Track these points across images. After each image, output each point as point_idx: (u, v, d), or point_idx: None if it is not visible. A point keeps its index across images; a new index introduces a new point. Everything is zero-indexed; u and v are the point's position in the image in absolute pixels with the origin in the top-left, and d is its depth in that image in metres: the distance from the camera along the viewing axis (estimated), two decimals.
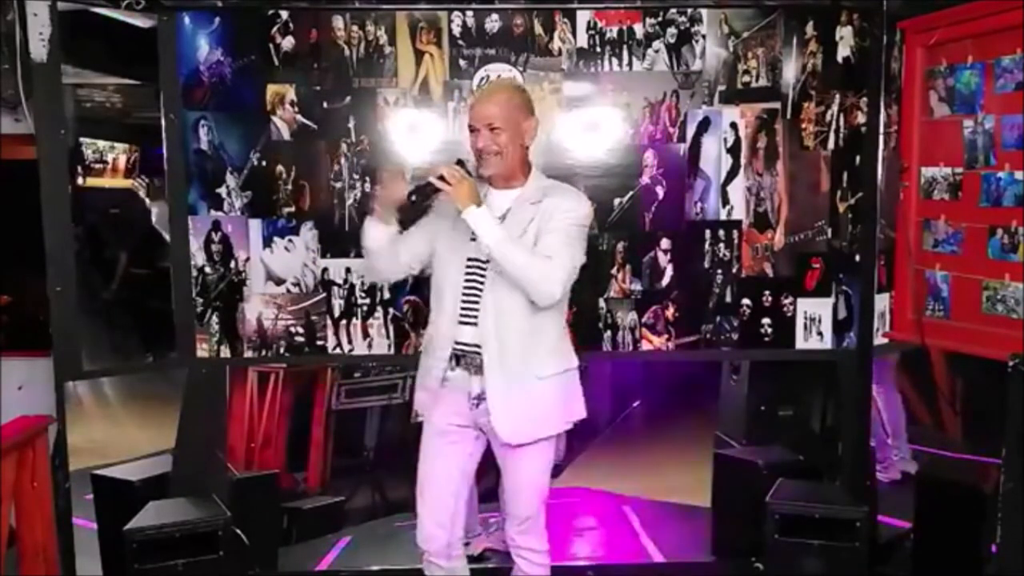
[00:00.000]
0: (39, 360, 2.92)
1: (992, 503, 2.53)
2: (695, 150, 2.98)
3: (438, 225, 2.33)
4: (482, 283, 2.24)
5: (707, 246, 3.02)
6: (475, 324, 2.24)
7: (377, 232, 2.32)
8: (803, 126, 2.97)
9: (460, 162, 2.26)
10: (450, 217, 2.26)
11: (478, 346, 2.24)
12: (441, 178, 2.17)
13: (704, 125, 2.97)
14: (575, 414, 2.38)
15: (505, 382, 2.23)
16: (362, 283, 3.01)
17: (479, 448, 2.38)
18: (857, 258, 3.02)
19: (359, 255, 2.95)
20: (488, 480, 3.15)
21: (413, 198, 2.23)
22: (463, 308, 2.26)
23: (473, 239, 2.20)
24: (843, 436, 3.16)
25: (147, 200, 3.63)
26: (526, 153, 2.32)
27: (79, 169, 3.60)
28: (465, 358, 2.27)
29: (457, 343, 2.27)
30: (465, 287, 2.26)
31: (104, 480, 3.23)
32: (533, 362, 2.25)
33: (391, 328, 3.03)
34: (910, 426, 4.32)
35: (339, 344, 3.04)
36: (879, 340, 3.07)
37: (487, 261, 2.21)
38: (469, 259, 2.26)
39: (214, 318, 3.00)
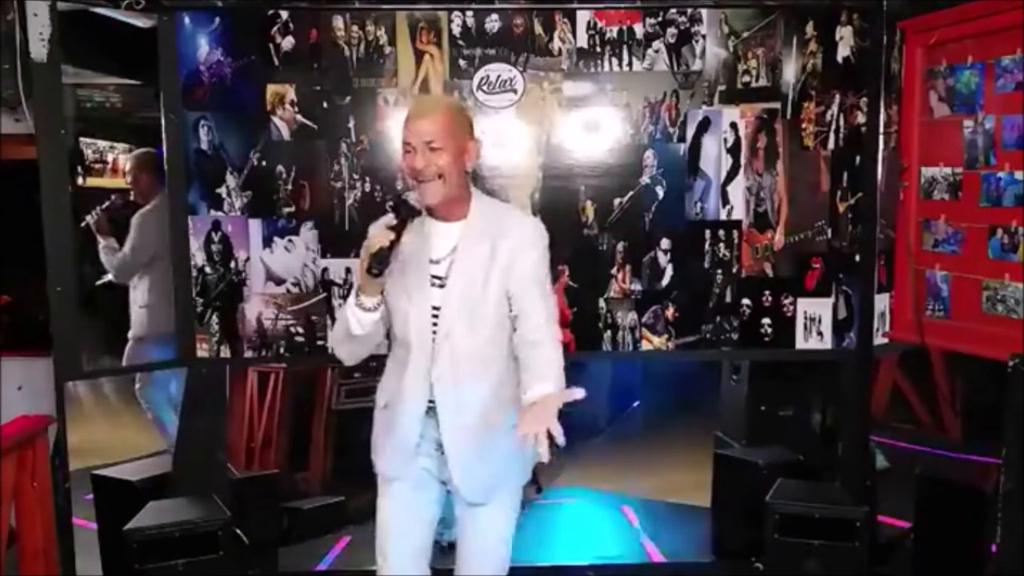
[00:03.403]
0: (39, 360, 2.92)
1: (992, 503, 2.53)
2: (695, 150, 2.98)
3: (385, 275, 1.98)
4: (437, 333, 2.01)
5: (707, 246, 3.02)
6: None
7: (369, 316, 1.97)
8: (803, 126, 2.97)
9: (404, 202, 1.98)
10: (395, 263, 1.97)
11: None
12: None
13: (704, 125, 2.97)
14: (534, 459, 2.09)
15: (466, 439, 2.02)
16: None
17: (443, 497, 2.15)
18: (857, 258, 3.01)
19: (359, 255, 2.94)
20: None
21: (374, 271, 1.91)
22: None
23: (434, 284, 2.00)
24: (843, 436, 3.16)
25: (97, 236, 3.35)
26: (467, 179, 2.04)
27: (79, 169, 3.60)
28: (432, 409, 2.04)
29: (430, 400, 2.03)
30: (435, 338, 2.01)
31: (104, 480, 3.23)
32: (494, 414, 2.02)
33: None
34: (909, 426, 4.33)
35: None
36: (879, 340, 3.07)
37: (440, 307, 2.00)
38: (434, 307, 2.01)
39: (214, 318, 3.00)
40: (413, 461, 2.07)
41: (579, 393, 1.91)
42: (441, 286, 2.01)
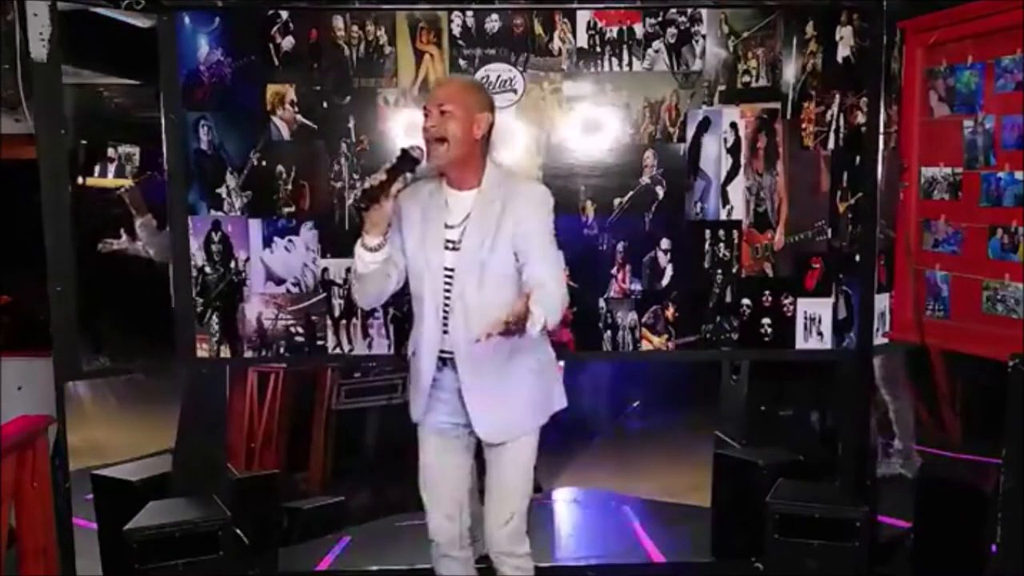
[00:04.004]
0: (39, 360, 2.91)
1: (992, 503, 2.53)
2: (695, 150, 2.98)
3: (406, 236, 2.29)
4: (451, 292, 2.25)
5: (707, 246, 3.02)
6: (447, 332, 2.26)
7: (372, 256, 2.22)
8: (803, 126, 2.97)
9: (405, 152, 2.21)
10: (416, 227, 2.26)
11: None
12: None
13: (704, 125, 2.97)
14: (554, 406, 2.40)
15: (480, 386, 2.25)
16: None
17: (473, 442, 2.40)
18: (857, 258, 3.02)
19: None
20: None
21: (362, 205, 2.15)
22: (445, 317, 2.26)
23: (447, 248, 2.22)
24: (843, 436, 3.16)
25: (133, 211, 3.25)
26: (479, 149, 2.24)
27: (79, 169, 3.59)
28: (452, 360, 2.28)
29: (442, 350, 2.28)
30: (445, 295, 2.25)
31: (104, 480, 3.23)
32: (508, 363, 2.25)
33: (391, 328, 3.03)
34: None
35: (339, 344, 3.03)
36: (879, 340, 3.07)
37: (454, 269, 2.23)
38: (445, 269, 2.24)
39: (214, 318, 3.00)
40: (435, 408, 2.33)
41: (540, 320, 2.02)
42: (455, 249, 2.23)
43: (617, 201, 2.98)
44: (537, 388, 2.34)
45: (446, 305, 2.24)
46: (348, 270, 2.97)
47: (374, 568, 3.38)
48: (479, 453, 2.44)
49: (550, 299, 2.10)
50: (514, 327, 1.97)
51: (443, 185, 2.27)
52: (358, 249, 2.22)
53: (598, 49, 2.93)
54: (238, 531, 2.95)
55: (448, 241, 2.24)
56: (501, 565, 2.38)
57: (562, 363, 4.74)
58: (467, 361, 2.24)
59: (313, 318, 3.01)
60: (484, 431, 2.30)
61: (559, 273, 2.24)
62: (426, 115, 2.20)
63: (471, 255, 2.21)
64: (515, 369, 2.27)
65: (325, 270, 2.99)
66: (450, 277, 2.23)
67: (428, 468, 2.40)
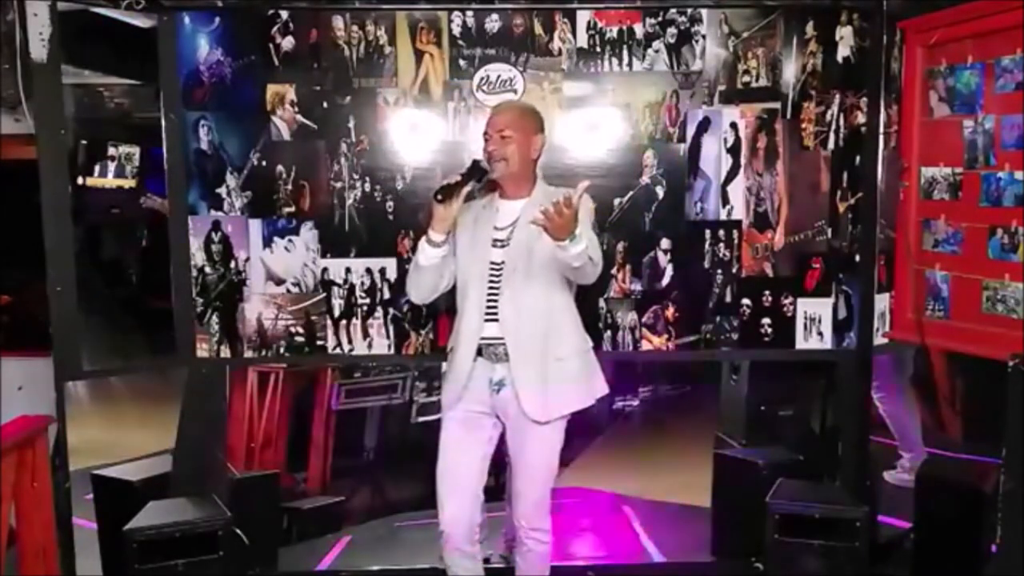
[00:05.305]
0: (39, 360, 2.91)
1: (992, 503, 2.53)
2: (695, 150, 2.98)
3: (459, 238, 2.49)
4: (499, 283, 2.43)
5: (707, 246, 3.02)
6: (497, 320, 2.42)
7: (434, 251, 2.44)
8: (803, 126, 2.97)
9: (476, 162, 2.45)
10: (468, 230, 2.48)
11: (501, 338, 2.42)
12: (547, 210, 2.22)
13: (704, 125, 2.97)
14: (597, 391, 2.54)
15: (529, 365, 2.41)
16: (362, 283, 3.01)
17: (496, 435, 2.52)
18: (857, 258, 3.02)
19: (359, 255, 2.97)
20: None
21: (439, 197, 2.36)
22: (488, 307, 2.43)
23: (495, 245, 2.43)
24: (843, 436, 3.16)
25: None
26: (533, 166, 2.49)
27: (79, 169, 3.60)
28: (488, 349, 2.44)
29: (482, 338, 2.44)
30: (489, 288, 2.44)
31: (104, 480, 3.23)
32: (551, 345, 2.43)
33: (391, 328, 3.03)
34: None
35: (339, 344, 3.04)
36: (879, 340, 3.07)
37: (503, 263, 2.42)
38: (492, 263, 2.44)
39: (214, 318, 3.00)
40: (464, 396, 2.47)
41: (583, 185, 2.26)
42: (503, 246, 2.44)
43: (617, 201, 2.98)
44: (579, 368, 2.49)
45: (491, 295, 2.42)
46: (348, 270, 2.99)
47: (374, 568, 3.39)
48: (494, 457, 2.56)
49: (592, 258, 2.30)
50: (558, 218, 2.12)
51: (496, 197, 2.51)
52: (422, 243, 2.45)
53: (598, 49, 2.93)
54: (238, 531, 2.94)
55: (496, 240, 2.45)
56: (527, 538, 2.51)
57: None
58: (516, 342, 2.41)
59: (313, 318, 3.01)
60: (532, 408, 2.40)
61: (598, 248, 2.39)
62: (487, 139, 2.45)
63: (519, 247, 2.41)
64: (558, 349, 2.43)
65: (325, 270, 2.99)
66: (496, 271, 2.43)
67: (448, 457, 2.50)
